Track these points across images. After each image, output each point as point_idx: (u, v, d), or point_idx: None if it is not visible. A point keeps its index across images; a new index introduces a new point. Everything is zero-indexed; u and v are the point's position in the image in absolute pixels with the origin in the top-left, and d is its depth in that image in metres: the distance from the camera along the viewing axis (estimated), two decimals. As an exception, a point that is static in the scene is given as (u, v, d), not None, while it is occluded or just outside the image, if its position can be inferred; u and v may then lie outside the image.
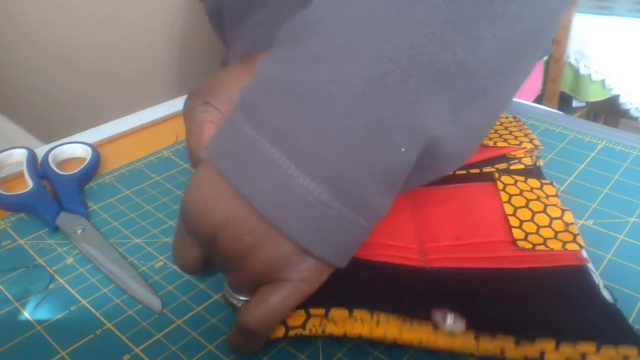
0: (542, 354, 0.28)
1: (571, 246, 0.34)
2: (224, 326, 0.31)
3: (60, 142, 0.49)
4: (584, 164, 0.46)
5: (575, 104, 1.51)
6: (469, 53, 0.25)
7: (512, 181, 0.40)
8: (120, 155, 0.48)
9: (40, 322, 0.32)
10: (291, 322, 0.29)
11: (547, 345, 0.28)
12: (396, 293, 0.31)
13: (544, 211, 0.37)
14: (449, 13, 0.24)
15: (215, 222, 0.27)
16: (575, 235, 0.35)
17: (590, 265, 0.33)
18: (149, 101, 0.57)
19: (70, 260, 0.36)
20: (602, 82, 1.38)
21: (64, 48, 0.66)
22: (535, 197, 0.38)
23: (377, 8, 0.25)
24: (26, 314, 0.32)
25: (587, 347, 0.28)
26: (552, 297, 0.31)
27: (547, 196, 0.39)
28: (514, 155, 0.43)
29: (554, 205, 0.38)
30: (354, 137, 0.25)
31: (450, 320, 0.30)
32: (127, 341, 0.30)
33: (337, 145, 0.25)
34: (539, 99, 1.45)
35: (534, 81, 1.35)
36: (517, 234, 0.36)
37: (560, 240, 0.35)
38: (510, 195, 0.38)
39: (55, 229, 0.39)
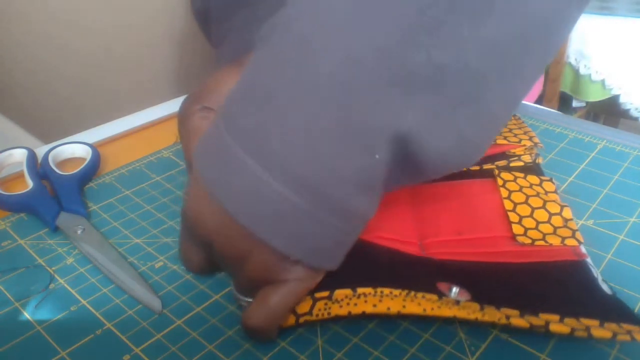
0: (547, 323, 0.28)
1: (570, 242, 0.35)
2: (224, 326, 0.31)
3: (60, 142, 0.49)
4: (584, 164, 0.46)
5: (575, 104, 1.51)
6: (448, 55, 0.23)
7: (512, 177, 0.40)
8: (120, 155, 0.48)
9: (40, 322, 0.32)
10: (300, 310, 0.30)
11: (551, 318, 0.28)
12: (399, 271, 0.32)
13: (543, 207, 0.38)
14: (422, 13, 0.23)
15: (210, 230, 0.27)
16: (574, 231, 0.36)
17: (588, 260, 0.34)
18: (149, 101, 0.57)
19: (70, 261, 0.36)
20: (602, 82, 1.38)
21: (64, 48, 0.67)
22: (534, 193, 0.39)
23: (346, 8, 0.24)
24: (26, 314, 0.32)
25: (591, 322, 0.28)
26: (553, 286, 0.32)
27: (546, 192, 0.39)
28: (514, 152, 0.44)
29: (553, 201, 0.38)
30: (320, 140, 0.24)
31: (456, 289, 0.30)
32: (127, 341, 0.30)
33: (304, 149, 0.24)
34: (539, 99, 1.45)
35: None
36: (517, 229, 0.36)
37: (559, 236, 0.35)
38: (510, 192, 0.39)
39: (55, 229, 0.39)
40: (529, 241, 0.35)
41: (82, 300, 0.33)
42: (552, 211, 0.37)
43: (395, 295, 0.30)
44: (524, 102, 0.56)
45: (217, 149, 0.26)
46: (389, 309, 0.29)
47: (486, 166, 0.42)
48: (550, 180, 0.40)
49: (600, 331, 0.28)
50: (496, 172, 0.41)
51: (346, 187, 0.25)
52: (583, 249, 0.35)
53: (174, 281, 0.35)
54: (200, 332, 0.31)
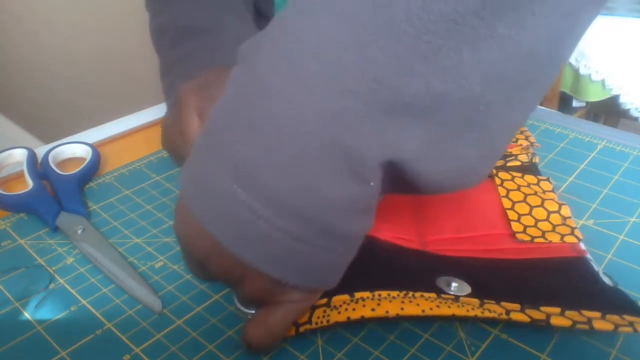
0: (548, 316, 0.28)
1: (569, 239, 0.35)
2: (224, 326, 0.31)
3: (60, 142, 0.49)
4: (584, 164, 0.46)
5: (575, 104, 1.51)
6: (448, 83, 0.22)
7: (510, 177, 0.41)
8: (120, 155, 0.48)
9: (40, 322, 0.32)
10: (300, 319, 0.30)
11: (552, 310, 0.28)
12: (397, 268, 0.32)
13: (542, 205, 0.38)
14: (419, 40, 0.21)
15: (202, 255, 0.27)
16: (572, 229, 0.36)
17: (588, 256, 0.34)
18: (149, 101, 0.57)
19: (70, 260, 0.36)
20: (602, 82, 1.38)
21: (64, 49, 0.67)
22: (532, 192, 0.39)
23: (336, 34, 0.22)
24: (26, 314, 0.32)
25: (593, 314, 0.28)
26: (553, 278, 0.32)
27: (544, 191, 0.39)
28: (510, 152, 0.44)
29: (551, 199, 0.38)
30: (312, 172, 0.23)
31: (455, 284, 0.30)
32: (127, 341, 0.30)
33: (296, 180, 0.24)
34: (539, 99, 1.44)
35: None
36: (516, 227, 0.36)
37: (559, 234, 0.35)
38: (508, 190, 0.39)
39: (56, 229, 0.39)
40: (528, 238, 0.35)
41: (82, 300, 0.33)
42: (551, 209, 0.37)
43: (394, 297, 0.30)
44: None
45: (205, 178, 0.25)
46: (387, 312, 0.29)
47: None
48: (548, 179, 0.41)
49: (602, 323, 0.28)
50: (494, 171, 0.41)
51: (341, 214, 0.25)
52: (582, 246, 0.35)
53: (174, 281, 0.35)
54: (200, 332, 0.31)
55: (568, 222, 0.36)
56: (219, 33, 0.46)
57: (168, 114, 0.44)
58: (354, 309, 0.29)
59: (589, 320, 0.28)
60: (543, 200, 0.38)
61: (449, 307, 0.29)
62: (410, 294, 0.30)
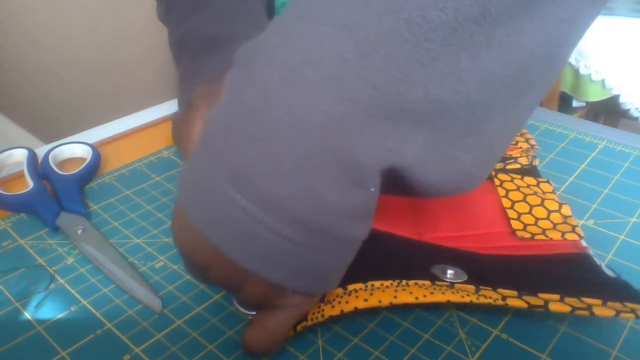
0: (546, 302, 0.28)
1: (570, 236, 0.35)
2: (224, 326, 0.31)
3: (60, 142, 0.49)
4: (584, 164, 0.46)
5: (575, 104, 1.51)
6: (446, 89, 0.22)
7: (509, 178, 0.41)
8: (121, 155, 0.48)
9: (40, 322, 0.32)
10: None
11: (551, 297, 0.28)
12: (391, 257, 0.32)
13: (542, 204, 0.38)
14: (418, 48, 0.22)
15: (200, 262, 0.27)
16: (573, 227, 0.36)
17: (590, 252, 0.34)
18: (149, 101, 0.57)
19: (70, 261, 0.36)
20: (602, 82, 1.38)
21: (64, 49, 0.67)
22: (532, 192, 0.39)
23: (337, 42, 0.22)
24: (26, 314, 0.32)
25: (593, 301, 0.28)
26: (554, 268, 0.32)
27: (544, 192, 0.39)
28: (510, 154, 0.44)
29: (551, 199, 0.38)
30: (312, 178, 0.24)
31: (451, 271, 0.30)
32: (127, 341, 0.30)
33: (295, 187, 0.24)
34: (539, 99, 1.44)
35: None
36: (516, 225, 0.36)
37: (559, 231, 0.35)
38: (508, 191, 0.39)
39: (56, 229, 0.39)
40: (529, 236, 0.35)
41: (82, 300, 0.33)
42: (551, 208, 0.37)
43: (387, 287, 0.30)
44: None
45: (204, 184, 0.25)
46: (380, 301, 0.29)
47: None
48: (548, 181, 0.41)
49: (603, 310, 0.27)
50: (493, 173, 0.41)
51: (341, 219, 0.25)
52: (584, 243, 0.35)
53: (174, 281, 0.35)
54: (200, 332, 0.31)
55: (569, 220, 0.36)
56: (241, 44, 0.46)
57: (179, 111, 0.45)
58: (347, 302, 0.29)
59: (589, 307, 0.27)
60: (543, 200, 0.38)
61: (443, 293, 0.29)
62: (404, 282, 0.30)
